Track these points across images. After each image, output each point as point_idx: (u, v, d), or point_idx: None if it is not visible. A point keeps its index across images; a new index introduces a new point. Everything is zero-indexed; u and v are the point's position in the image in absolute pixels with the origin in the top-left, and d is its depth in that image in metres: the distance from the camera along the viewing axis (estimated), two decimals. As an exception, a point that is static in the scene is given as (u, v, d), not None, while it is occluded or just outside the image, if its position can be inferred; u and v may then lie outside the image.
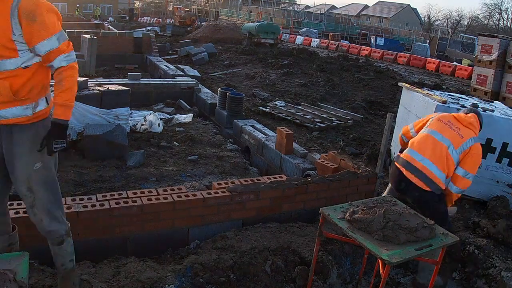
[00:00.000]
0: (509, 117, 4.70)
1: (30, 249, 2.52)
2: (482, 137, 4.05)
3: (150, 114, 7.42)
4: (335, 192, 4.27)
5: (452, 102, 4.91)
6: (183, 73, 11.68)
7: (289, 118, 8.56)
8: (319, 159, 5.37)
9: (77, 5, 40.53)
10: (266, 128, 7.38)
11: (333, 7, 72.75)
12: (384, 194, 3.81)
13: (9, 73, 2.22)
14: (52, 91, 2.39)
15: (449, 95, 5.58)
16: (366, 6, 71.43)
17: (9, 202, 3.26)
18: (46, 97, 2.43)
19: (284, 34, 31.84)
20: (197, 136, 6.97)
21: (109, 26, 21.11)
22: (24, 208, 3.19)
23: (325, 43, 29.16)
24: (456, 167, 3.27)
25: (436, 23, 66.91)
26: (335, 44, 28.23)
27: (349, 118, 8.91)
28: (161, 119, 7.48)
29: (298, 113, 8.69)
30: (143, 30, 20.31)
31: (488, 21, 61.66)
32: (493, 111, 4.83)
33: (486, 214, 4.57)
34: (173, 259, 3.45)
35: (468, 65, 21.66)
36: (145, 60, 14.35)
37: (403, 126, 5.54)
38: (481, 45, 9.53)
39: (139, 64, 14.24)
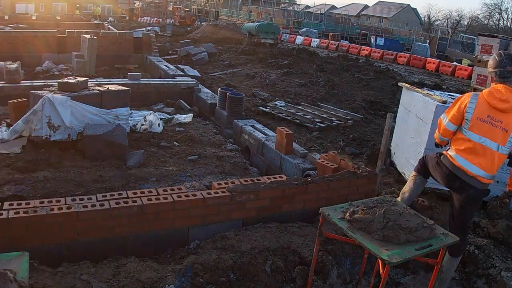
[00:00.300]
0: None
1: (30, 249, 2.52)
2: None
3: (150, 114, 7.42)
4: (335, 192, 4.26)
5: (452, 102, 4.90)
6: (183, 73, 11.67)
7: (289, 118, 8.56)
8: (319, 159, 5.37)
9: (77, 5, 40.54)
10: (266, 128, 7.38)
11: (333, 7, 72.72)
12: (406, 189, 3.66)
13: None
14: None
15: (449, 95, 5.58)
16: (366, 6, 71.41)
17: (9, 202, 3.28)
18: None
19: (284, 34, 31.83)
20: (197, 136, 6.98)
21: (109, 26, 21.10)
22: (24, 208, 3.19)
23: (325, 43, 29.16)
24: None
25: (436, 23, 66.94)
26: (335, 44, 28.24)
27: (349, 118, 8.91)
28: (161, 119, 7.49)
29: (298, 113, 8.68)
30: (143, 30, 20.28)
31: (488, 21, 61.66)
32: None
33: (486, 214, 4.57)
34: (173, 259, 3.45)
35: (468, 65, 21.66)
36: (145, 60, 14.34)
37: (403, 126, 5.56)
38: (481, 45, 9.52)
39: (139, 64, 14.23)
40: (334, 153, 5.17)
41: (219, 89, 8.75)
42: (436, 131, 3.42)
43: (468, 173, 3.12)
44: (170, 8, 46.69)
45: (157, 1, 56.21)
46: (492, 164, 3.12)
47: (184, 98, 9.43)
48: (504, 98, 3.06)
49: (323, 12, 49.31)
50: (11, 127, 6.03)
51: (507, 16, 63.06)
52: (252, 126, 7.39)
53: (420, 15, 67.85)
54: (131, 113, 7.28)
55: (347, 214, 2.80)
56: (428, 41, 36.08)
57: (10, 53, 12.02)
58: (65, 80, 6.56)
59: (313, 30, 37.92)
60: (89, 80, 7.12)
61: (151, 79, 10.67)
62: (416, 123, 5.04)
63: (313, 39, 30.54)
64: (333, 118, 8.71)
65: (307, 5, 69.42)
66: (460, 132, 3.20)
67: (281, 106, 9.29)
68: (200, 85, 10.27)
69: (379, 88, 12.86)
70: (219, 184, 3.99)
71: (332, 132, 8.11)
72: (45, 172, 5.21)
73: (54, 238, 3.22)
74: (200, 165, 5.89)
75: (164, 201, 3.52)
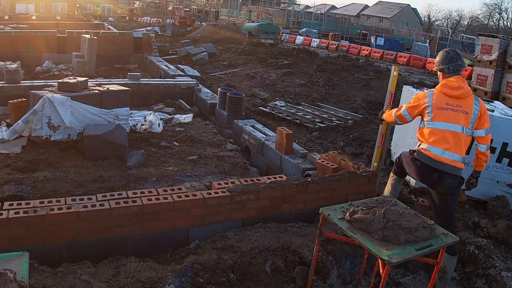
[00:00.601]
0: (509, 117, 4.70)
1: (30, 249, 2.52)
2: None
3: (150, 114, 7.42)
4: (335, 192, 4.26)
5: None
6: (183, 73, 11.67)
7: (289, 118, 8.56)
8: (319, 159, 5.37)
9: (77, 5, 40.53)
10: (266, 128, 7.38)
11: (333, 7, 72.76)
12: (386, 193, 3.81)
13: None
14: None
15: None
16: (366, 6, 71.44)
17: (9, 202, 3.28)
18: None
19: (284, 34, 31.83)
20: (197, 136, 6.97)
21: (109, 26, 21.10)
22: (24, 208, 3.19)
23: (325, 43, 29.15)
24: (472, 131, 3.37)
25: (436, 23, 66.97)
26: (335, 44, 28.22)
27: (349, 118, 8.91)
28: (161, 119, 7.49)
29: (298, 113, 8.69)
30: (143, 30, 20.28)
31: (488, 21, 61.69)
32: (493, 111, 4.83)
33: (486, 214, 4.57)
34: (173, 259, 3.45)
35: (468, 65, 21.60)
36: (145, 60, 14.34)
37: (403, 126, 5.54)
38: (481, 45, 9.51)
39: (139, 64, 14.24)
40: (334, 153, 5.17)
41: (219, 89, 8.75)
42: (394, 111, 3.72)
43: (444, 162, 3.27)
44: (170, 8, 46.73)
45: (157, 1, 56.25)
46: (461, 146, 3.31)
47: (184, 98, 9.42)
48: (456, 86, 3.35)
49: (323, 12, 49.31)
50: (11, 127, 6.03)
51: (507, 16, 63.17)
52: (252, 126, 7.39)
53: (420, 15, 67.94)
54: (131, 113, 7.28)
55: (347, 214, 2.80)
56: (428, 41, 36.10)
57: (10, 53, 12.02)
58: (65, 80, 6.56)
59: (313, 30, 37.92)
60: (89, 80, 7.12)
61: (151, 79, 10.67)
62: (416, 123, 5.02)
63: (313, 39, 30.52)
64: (333, 118, 8.71)
65: (307, 5, 69.52)
66: (425, 127, 3.41)
67: (281, 106, 9.29)
68: (200, 85, 10.27)
69: (379, 88, 12.85)
70: (219, 184, 3.99)
71: (332, 132, 8.11)
72: (45, 172, 5.21)
73: (54, 238, 3.22)
74: (200, 165, 5.88)
75: (164, 201, 3.52)
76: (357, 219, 2.73)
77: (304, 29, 37.78)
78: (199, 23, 32.33)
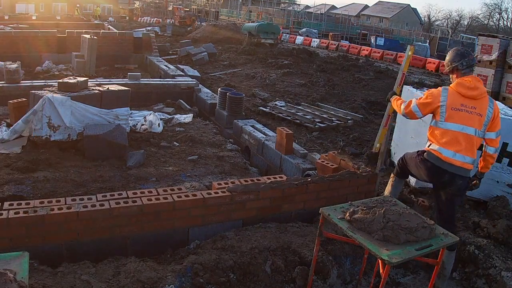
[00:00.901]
0: (509, 117, 4.70)
1: (30, 249, 2.52)
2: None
3: (150, 114, 7.42)
4: (335, 192, 4.26)
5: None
6: (183, 73, 11.67)
7: (289, 118, 8.56)
8: (319, 159, 5.37)
9: (77, 5, 40.54)
10: (266, 128, 7.38)
11: (333, 7, 72.75)
12: (387, 193, 3.79)
13: None
14: None
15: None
16: (366, 6, 71.43)
17: (9, 202, 3.28)
18: None
19: (284, 34, 31.83)
20: (197, 136, 6.97)
21: (109, 26, 21.09)
22: (24, 208, 3.19)
23: (325, 43, 29.15)
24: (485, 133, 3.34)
25: (436, 23, 66.97)
26: (335, 44, 28.22)
27: (349, 118, 8.91)
28: (161, 119, 7.48)
29: (298, 113, 8.68)
30: (143, 30, 20.27)
31: (488, 21, 61.69)
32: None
33: (486, 214, 4.57)
34: (173, 259, 3.45)
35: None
36: (145, 60, 14.34)
37: (403, 126, 5.56)
38: (481, 45, 9.51)
39: (139, 64, 14.23)
40: (334, 153, 5.17)
41: (219, 89, 8.74)
42: (403, 105, 3.55)
43: (455, 164, 3.24)
44: (170, 8, 46.73)
45: (157, 1, 56.27)
46: (473, 148, 3.28)
47: (184, 98, 9.42)
48: (472, 86, 3.28)
49: (323, 12, 49.31)
50: (11, 127, 6.03)
51: (507, 16, 63.17)
52: (252, 126, 7.39)
53: (420, 15, 67.94)
54: (131, 113, 7.28)
55: (347, 214, 2.80)
56: (428, 41, 36.09)
57: (10, 53, 12.01)
58: (65, 80, 6.56)
59: (313, 30, 37.92)
60: (89, 80, 7.11)
61: (151, 79, 10.66)
62: (416, 123, 5.03)
63: (313, 39, 30.52)
64: (333, 118, 8.71)
65: (307, 5, 69.54)
66: (437, 126, 3.33)
67: (281, 106, 9.29)
68: (200, 85, 10.27)
69: (379, 88, 12.86)
70: (219, 184, 3.99)
71: (332, 132, 8.11)
72: (45, 172, 5.21)
73: (54, 238, 3.22)
74: (200, 165, 5.88)
75: (164, 201, 3.52)
76: (357, 219, 2.73)
77: (304, 29, 37.78)
78: (199, 23, 32.33)
